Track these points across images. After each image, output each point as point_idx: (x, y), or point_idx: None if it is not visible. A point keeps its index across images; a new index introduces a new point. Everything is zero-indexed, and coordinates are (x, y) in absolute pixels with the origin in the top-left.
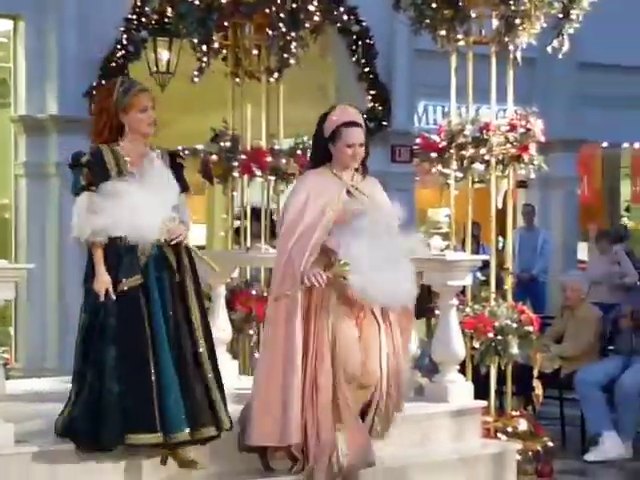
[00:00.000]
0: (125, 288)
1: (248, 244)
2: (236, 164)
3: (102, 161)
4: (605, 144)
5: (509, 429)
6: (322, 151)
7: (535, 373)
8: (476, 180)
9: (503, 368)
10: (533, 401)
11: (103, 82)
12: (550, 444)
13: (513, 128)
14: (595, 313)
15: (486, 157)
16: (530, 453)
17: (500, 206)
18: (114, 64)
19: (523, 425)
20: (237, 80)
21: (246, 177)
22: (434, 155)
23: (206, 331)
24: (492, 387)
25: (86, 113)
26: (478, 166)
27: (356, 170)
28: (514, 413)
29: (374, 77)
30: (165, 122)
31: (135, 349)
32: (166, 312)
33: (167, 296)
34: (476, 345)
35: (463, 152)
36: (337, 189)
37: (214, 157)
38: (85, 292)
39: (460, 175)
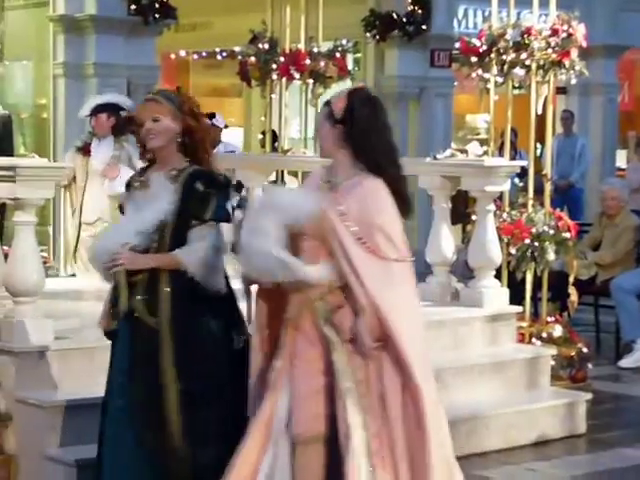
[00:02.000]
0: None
1: (285, 147)
2: (274, 67)
3: None
4: None
5: (544, 335)
6: None
7: (571, 280)
8: (516, 85)
9: (539, 274)
10: (568, 307)
11: None
12: (584, 350)
13: (555, 33)
14: (634, 221)
15: (527, 62)
16: (564, 359)
17: (540, 112)
18: None
19: (558, 331)
20: None
21: (284, 80)
22: (474, 59)
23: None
24: (528, 293)
25: (124, 13)
26: (518, 71)
27: None
28: (549, 319)
29: None
30: (204, 24)
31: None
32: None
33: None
34: (512, 251)
35: (504, 57)
36: None
37: (252, 59)
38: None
39: (500, 80)
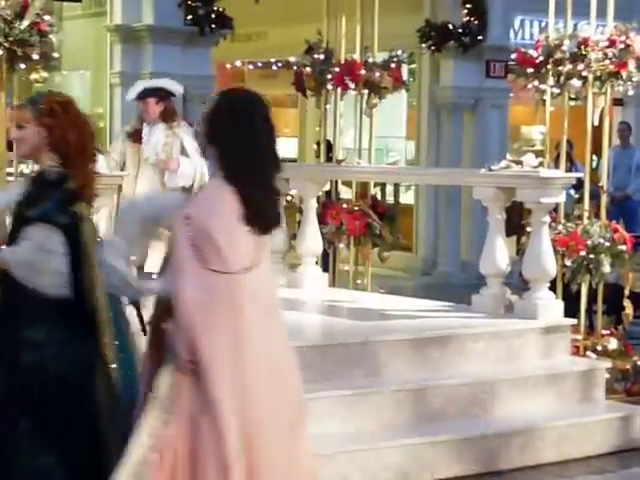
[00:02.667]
0: None
1: (340, 157)
2: (329, 77)
3: None
4: None
5: (599, 347)
6: None
7: (626, 292)
8: (572, 97)
9: (594, 286)
10: (623, 320)
11: None
12: (639, 363)
13: (612, 44)
14: None
15: (583, 73)
16: (619, 372)
17: (596, 124)
18: None
19: (613, 344)
20: None
21: (339, 90)
22: (530, 70)
23: None
24: (582, 305)
25: (181, 23)
26: (575, 82)
27: None
28: (604, 332)
29: None
30: (260, 34)
31: None
32: None
33: None
34: (567, 263)
35: (560, 68)
36: None
37: (308, 69)
38: None
39: (556, 91)
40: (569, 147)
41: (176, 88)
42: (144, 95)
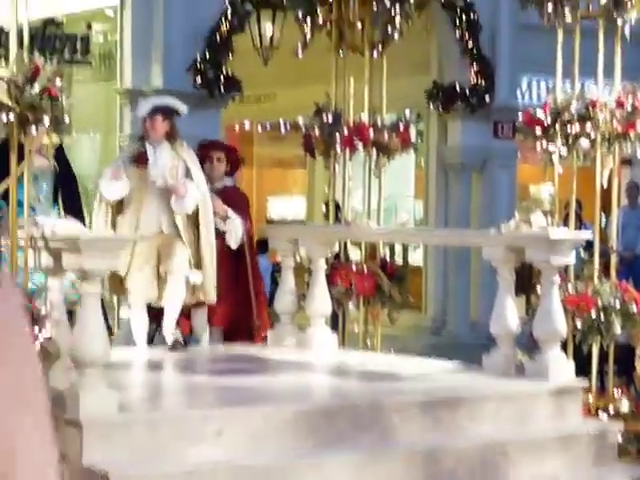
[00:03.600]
0: None
1: (349, 218)
2: (338, 138)
3: None
4: None
5: (611, 409)
6: None
7: (638, 353)
8: (581, 157)
9: (605, 347)
10: (635, 381)
11: (207, 56)
12: None
13: (620, 105)
14: None
15: (592, 134)
16: (632, 433)
17: (605, 184)
18: (219, 38)
19: (625, 405)
20: (340, 54)
21: (348, 151)
22: (538, 131)
23: None
24: (594, 366)
25: (190, 86)
26: (583, 143)
27: None
28: (616, 393)
29: (477, 52)
30: (268, 96)
31: None
32: None
33: None
34: (578, 323)
35: (568, 129)
36: None
37: (316, 131)
38: None
39: (565, 152)
40: (578, 207)
41: (181, 107)
42: (153, 112)
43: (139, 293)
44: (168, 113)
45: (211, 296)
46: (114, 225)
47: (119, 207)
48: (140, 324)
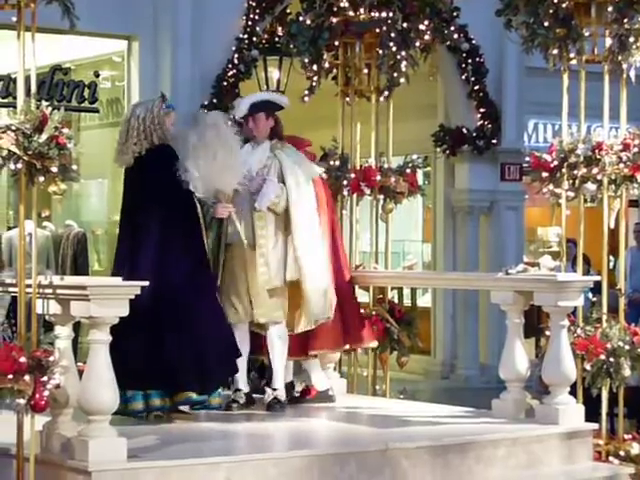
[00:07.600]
0: None
1: (356, 261)
2: (345, 183)
3: None
4: None
5: (621, 452)
6: None
7: None
8: (587, 200)
9: (615, 390)
10: None
11: (215, 101)
12: None
13: (626, 147)
14: None
15: (598, 177)
16: None
17: (612, 226)
18: (226, 83)
19: (635, 449)
20: (347, 99)
21: (355, 196)
22: (545, 174)
23: None
24: (604, 409)
25: None
26: (590, 186)
27: None
28: (626, 436)
29: (484, 95)
30: None
31: None
32: None
33: None
34: (587, 367)
35: (575, 172)
36: None
37: (324, 175)
38: None
39: (572, 195)
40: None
41: (283, 100)
42: (254, 110)
43: None
44: (271, 109)
45: None
46: None
47: None
48: None
